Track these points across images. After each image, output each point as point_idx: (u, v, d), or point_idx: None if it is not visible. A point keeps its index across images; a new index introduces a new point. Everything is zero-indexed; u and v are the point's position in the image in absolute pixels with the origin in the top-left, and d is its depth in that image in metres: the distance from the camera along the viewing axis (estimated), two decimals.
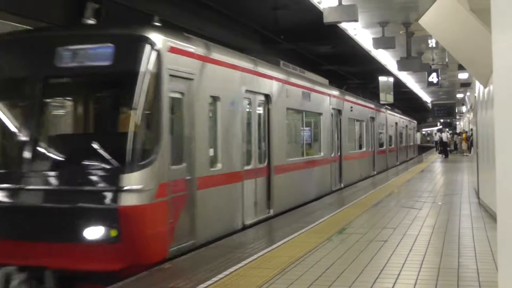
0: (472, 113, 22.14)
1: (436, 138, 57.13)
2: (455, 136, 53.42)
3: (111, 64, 8.46)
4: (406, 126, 41.76)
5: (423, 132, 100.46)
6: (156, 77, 8.40)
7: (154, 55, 8.44)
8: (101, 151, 8.47)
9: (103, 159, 8.30)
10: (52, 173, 8.41)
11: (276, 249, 8.86)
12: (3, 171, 8.73)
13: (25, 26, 11.71)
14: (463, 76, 26.26)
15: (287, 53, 23.16)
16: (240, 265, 7.81)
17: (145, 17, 10.39)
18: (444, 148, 43.23)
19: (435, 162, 36.73)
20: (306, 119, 17.01)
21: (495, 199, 4.12)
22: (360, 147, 25.15)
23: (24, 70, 8.88)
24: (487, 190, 12.56)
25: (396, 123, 36.19)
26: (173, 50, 8.92)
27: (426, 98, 47.84)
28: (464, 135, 45.09)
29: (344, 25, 16.63)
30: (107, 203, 7.97)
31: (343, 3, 13.04)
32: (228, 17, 17.88)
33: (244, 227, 11.18)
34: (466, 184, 19.54)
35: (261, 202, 12.47)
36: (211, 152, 10.25)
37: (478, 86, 13.92)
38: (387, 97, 28.20)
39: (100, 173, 8.19)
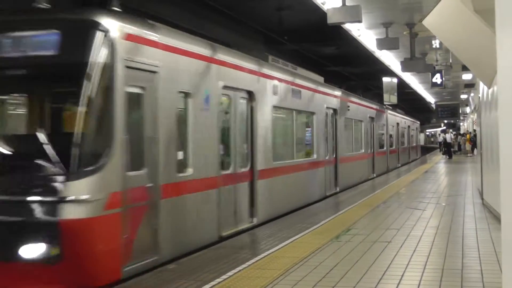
0: (476, 114, 22.12)
1: (440, 139, 57.07)
2: (459, 137, 53.34)
3: (56, 53, 7.41)
4: (409, 126, 40.84)
5: (427, 133, 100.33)
6: (108, 69, 7.35)
7: (106, 43, 7.38)
8: (42, 155, 7.17)
9: (43, 165, 7.16)
10: None
11: (280, 250, 8.86)
12: None
13: None
14: (467, 77, 26.25)
15: (291, 54, 23.15)
16: (244, 265, 7.81)
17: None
18: (448, 149, 43.18)
19: (439, 163, 36.69)
20: (296, 118, 15.89)
21: (499, 199, 4.12)
22: (359, 149, 23.96)
23: None
24: (491, 191, 12.55)
25: (398, 124, 35.23)
26: (131, 38, 7.86)
27: (430, 99, 47.81)
28: (468, 136, 45.03)
29: (348, 26, 16.63)
30: (47, 216, 6.94)
31: (347, 4, 13.04)
32: (231, 18, 17.88)
33: (221, 239, 10.10)
34: (470, 185, 19.52)
35: (242, 210, 11.39)
36: (180, 155, 9.16)
37: (482, 87, 13.90)
38: (391, 98, 28.19)
39: (40, 181, 7.09)
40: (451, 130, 60.16)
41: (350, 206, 14.20)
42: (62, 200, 6.88)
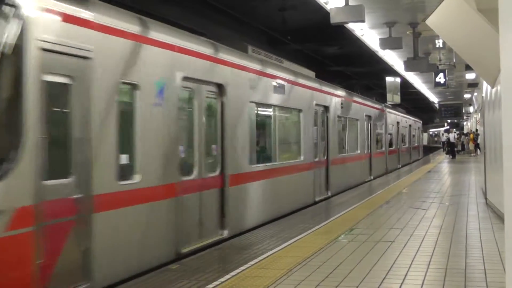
0: (479, 114, 22.11)
1: (443, 138, 57.02)
2: (463, 136, 53.28)
3: None
4: (410, 126, 39.65)
5: (430, 133, 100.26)
6: (16, 52, 5.98)
7: (14, 19, 6.03)
8: None
9: None
10: None
11: (282, 249, 8.86)
12: None
13: None
14: (470, 76, 26.20)
15: (294, 54, 23.15)
16: (247, 265, 7.81)
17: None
18: (451, 149, 43.12)
19: (442, 162, 36.65)
20: (279, 116, 14.49)
21: (503, 199, 4.12)
22: (353, 149, 22.26)
23: None
24: (494, 190, 12.53)
25: (398, 123, 33.72)
26: (52, 15, 6.52)
27: (433, 98, 47.74)
28: (471, 136, 44.97)
29: (351, 26, 16.62)
30: None
31: (350, 3, 13.03)
32: (234, 18, 17.90)
33: (180, 256, 8.67)
34: (474, 184, 19.49)
35: (210, 222, 9.96)
36: (124, 159, 7.77)
37: (485, 86, 13.88)
38: (394, 97, 28.15)
39: None
40: (454, 129, 60.13)
41: (352, 207, 14.19)
42: None
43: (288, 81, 14.43)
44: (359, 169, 22.90)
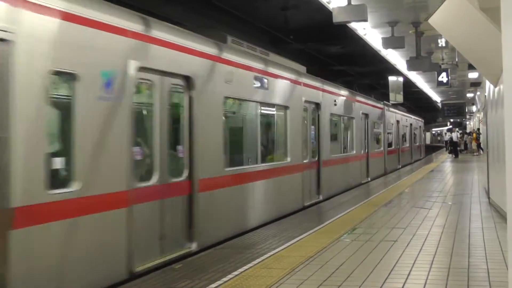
0: (482, 113, 22.09)
1: (446, 138, 56.99)
2: (465, 135, 53.26)
3: None
4: (411, 124, 38.63)
5: (433, 132, 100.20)
6: None
7: None
8: None
9: None
10: None
11: (286, 249, 8.86)
12: None
13: None
14: (473, 75, 26.18)
15: (297, 53, 23.16)
16: (250, 265, 7.82)
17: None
18: (454, 148, 43.10)
19: (445, 162, 36.62)
20: (262, 113, 13.00)
21: (506, 198, 4.11)
22: (348, 150, 21.07)
23: None
24: (497, 189, 12.52)
25: (398, 121, 32.47)
26: None
27: (436, 97, 47.73)
28: (474, 135, 44.97)
29: (353, 25, 16.62)
30: None
31: (352, 3, 13.03)
32: (237, 18, 17.90)
33: (133, 276, 7.55)
34: (477, 183, 19.48)
35: (174, 233, 8.75)
36: (58, 163, 6.66)
37: (488, 85, 13.87)
38: (396, 97, 28.13)
39: None
40: (457, 129, 60.11)
41: (354, 206, 14.19)
42: None
43: (272, 75, 13.15)
44: (355, 171, 21.56)
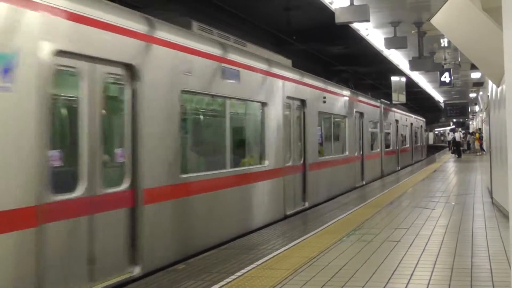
0: (485, 113, 22.07)
1: (449, 138, 56.97)
2: (468, 135, 53.23)
3: None
4: (411, 124, 37.11)
5: (436, 132, 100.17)
6: None
7: None
8: None
9: None
10: None
11: (288, 249, 8.86)
12: None
13: None
14: (475, 75, 26.19)
15: (299, 54, 23.19)
16: (253, 265, 7.82)
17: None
18: (457, 148, 43.07)
19: (448, 162, 36.58)
20: (233, 110, 11.49)
21: (508, 198, 4.11)
22: (340, 151, 19.40)
23: None
24: (500, 189, 12.51)
25: (397, 121, 30.93)
26: None
27: (439, 97, 47.74)
28: (477, 135, 44.93)
29: (356, 25, 16.63)
30: None
31: (355, 3, 13.04)
32: (240, 19, 17.93)
33: None
34: (480, 183, 19.45)
35: (110, 255, 7.21)
36: None
37: (491, 85, 13.87)
38: (399, 97, 28.13)
39: None
40: (460, 129, 60.09)
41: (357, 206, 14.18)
42: None
43: (247, 67, 11.60)
44: (348, 174, 19.82)
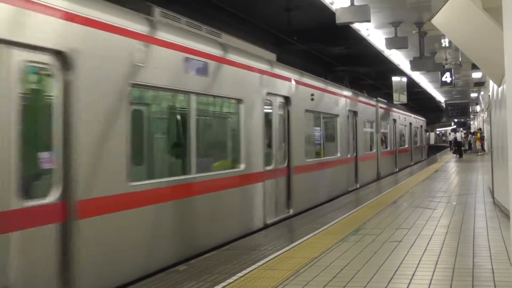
0: (486, 113, 22.05)
1: (451, 137, 56.99)
2: (469, 135, 53.22)
3: None
4: (410, 124, 35.88)
5: (438, 132, 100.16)
6: None
7: None
8: None
9: None
10: None
11: (290, 250, 8.86)
12: None
13: None
14: (476, 75, 26.19)
15: (300, 54, 23.19)
16: (254, 266, 7.81)
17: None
18: (458, 148, 43.06)
19: (449, 162, 36.56)
20: (201, 108, 10.10)
21: (508, 198, 4.11)
22: (331, 152, 18.03)
23: None
24: (501, 189, 12.50)
25: (395, 120, 29.66)
26: None
27: (440, 98, 47.73)
28: (478, 135, 44.93)
29: (356, 26, 16.64)
30: None
31: (355, 3, 13.04)
32: (241, 19, 17.94)
33: None
34: (481, 183, 19.44)
35: (35, 283, 6.03)
36: None
37: (492, 85, 13.86)
38: (400, 97, 28.12)
39: None
40: (461, 128, 60.09)
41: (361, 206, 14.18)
42: None
43: (218, 59, 10.35)
44: (340, 177, 18.47)
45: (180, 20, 9.71)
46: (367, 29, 17.72)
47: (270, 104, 12.73)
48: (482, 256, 8.12)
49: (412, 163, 35.75)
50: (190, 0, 15.45)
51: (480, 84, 28.91)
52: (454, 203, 14.23)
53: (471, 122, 70.87)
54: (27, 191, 6.03)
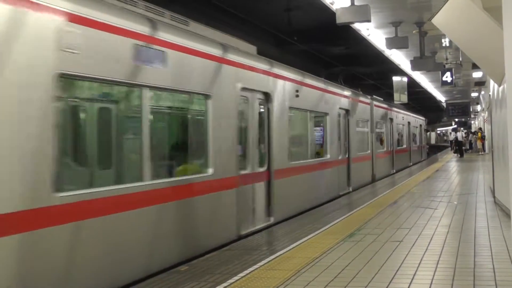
0: (487, 112, 22.05)
1: (451, 137, 56.99)
2: (470, 135, 53.19)
3: None
4: (409, 123, 34.57)
5: (438, 132, 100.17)
6: None
7: None
8: None
9: None
10: None
11: (291, 250, 8.86)
12: None
13: None
14: (477, 74, 26.19)
15: (301, 54, 23.19)
16: (256, 266, 7.82)
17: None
18: (459, 148, 43.05)
19: (450, 161, 36.55)
20: (157, 105, 8.73)
21: (509, 197, 4.12)
22: (320, 154, 16.70)
23: None
24: (502, 188, 12.50)
25: (391, 120, 28.40)
26: None
27: (440, 97, 47.73)
28: (479, 134, 44.92)
29: (357, 26, 16.64)
30: None
31: (356, 3, 13.05)
32: (240, 19, 17.94)
33: None
34: (482, 183, 19.44)
35: None
36: None
37: (492, 84, 13.86)
38: (401, 97, 28.09)
39: None
40: (462, 128, 60.06)
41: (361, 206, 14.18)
42: None
43: (179, 48, 8.93)
44: (329, 180, 17.01)
45: (137, 4, 8.40)
46: (368, 29, 17.73)
47: (247, 101, 11.41)
48: (483, 256, 8.12)
49: (411, 163, 34.71)
50: (190, 0, 15.44)
51: (480, 84, 28.90)
52: (455, 202, 14.23)
53: (472, 122, 70.86)
54: None
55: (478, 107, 51.04)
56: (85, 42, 6.84)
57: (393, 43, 17.62)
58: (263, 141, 12.19)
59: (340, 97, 18.72)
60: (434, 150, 59.34)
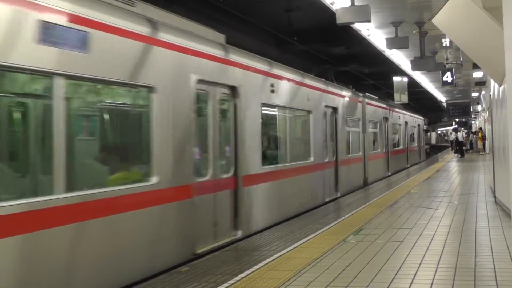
0: (487, 112, 22.05)
1: (452, 137, 56.97)
2: (471, 135, 53.17)
3: None
4: (406, 122, 32.90)
5: (439, 132, 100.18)
6: None
7: None
8: None
9: None
10: None
11: (292, 251, 8.86)
12: None
13: None
14: (478, 74, 26.17)
15: (301, 55, 23.19)
16: (256, 267, 7.82)
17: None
18: (460, 148, 43.04)
19: (451, 161, 36.54)
20: (80, 99, 7.22)
21: (509, 197, 4.12)
22: (302, 157, 14.79)
23: None
24: (503, 188, 12.50)
25: (386, 119, 26.81)
26: None
27: (441, 97, 47.71)
28: (480, 134, 44.90)
29: (357, 26, 16.63)
30: None
31: (356, 3, 13.04)
32: (242, 20, 17.94)
33: None
34: (483, 183, 19.44)
35: None
36: None
37: (493, 84, 13.86)
38: (401, 97, 28.06)
39: None
40: (462, 128, 60.05)
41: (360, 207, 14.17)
42: None
43: (107, 28, 7.20)
44: (313, 186, 15.37)
45: None
46: (368, 29, 17.71)
47: (205, 96, 9.73)
48: (484, 256, 8.12)
49: (409, 165, 32.89)
50: (190, 0, 15.44)
51: (481, 84, 28.89)
52: (456, 202, 14.23)
53: (473, 122, 70.86)
54: None
55: (479, 107, 51.02)
56: None
57: (393, 43, 17.62)
58: (227, 143, 10.60)
59: (326, 93, 16.93)
60: (435, 150, 59.29)
